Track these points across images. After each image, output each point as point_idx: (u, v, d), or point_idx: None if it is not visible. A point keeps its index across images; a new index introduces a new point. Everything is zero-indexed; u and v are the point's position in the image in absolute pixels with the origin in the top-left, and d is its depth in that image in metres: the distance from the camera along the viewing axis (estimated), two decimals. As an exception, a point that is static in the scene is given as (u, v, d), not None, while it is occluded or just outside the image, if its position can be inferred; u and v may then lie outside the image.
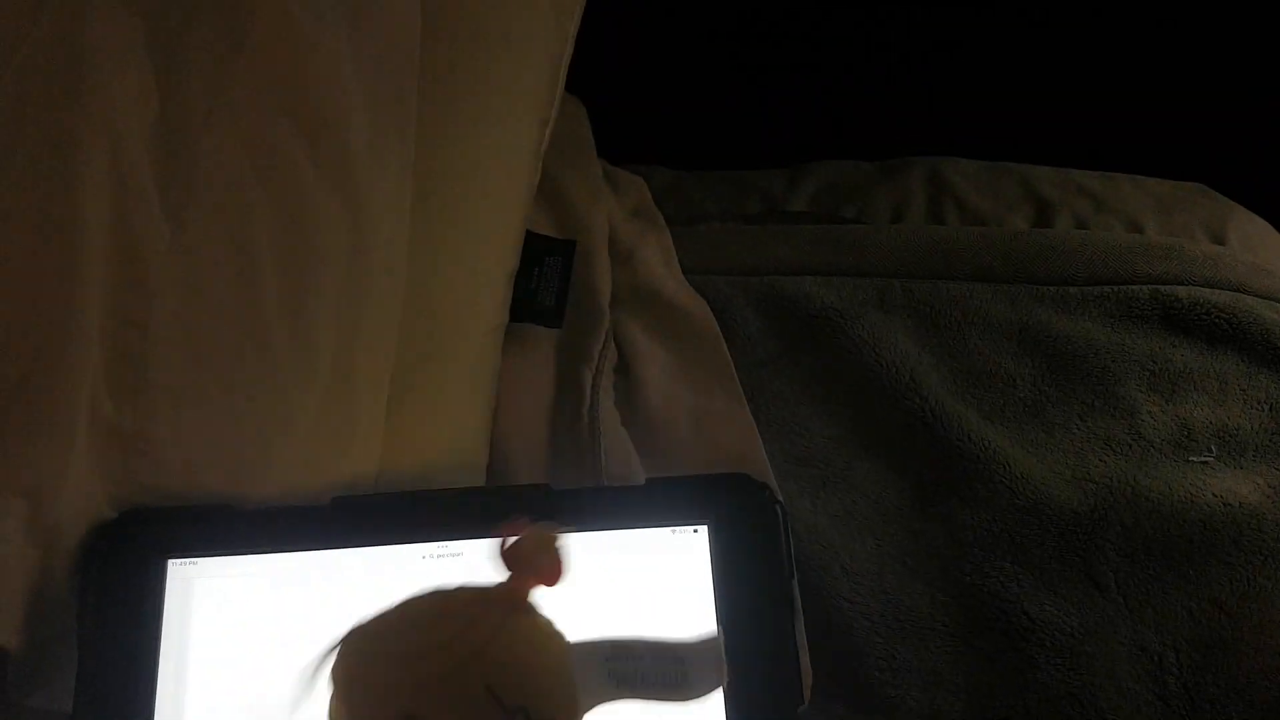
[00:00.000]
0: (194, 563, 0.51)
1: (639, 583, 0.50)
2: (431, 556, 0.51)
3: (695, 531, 0.50)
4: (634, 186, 0.84)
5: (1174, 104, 0.88)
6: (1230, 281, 0.70)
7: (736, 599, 0.48)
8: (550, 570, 0.41)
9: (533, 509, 0.41)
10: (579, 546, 0.40)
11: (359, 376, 0.55)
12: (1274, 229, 0.81)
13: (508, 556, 0.41)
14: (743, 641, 0.46)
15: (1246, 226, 0.78)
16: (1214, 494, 0.60)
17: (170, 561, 0.50)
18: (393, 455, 0.56)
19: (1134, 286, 0.70)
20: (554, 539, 0.41)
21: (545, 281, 0.67)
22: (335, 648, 0.40)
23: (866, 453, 0.64)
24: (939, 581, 0.57)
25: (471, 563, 0.49)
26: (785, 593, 0.49)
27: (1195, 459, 0.62)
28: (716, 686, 0.40)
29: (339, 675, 0.40)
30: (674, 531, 0.51)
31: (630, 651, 0.40)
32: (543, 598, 0.41)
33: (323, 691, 0.40)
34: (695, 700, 0.39)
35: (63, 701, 0.50)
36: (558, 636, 0.41)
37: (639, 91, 0.91)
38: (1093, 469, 0.61)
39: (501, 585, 0.41)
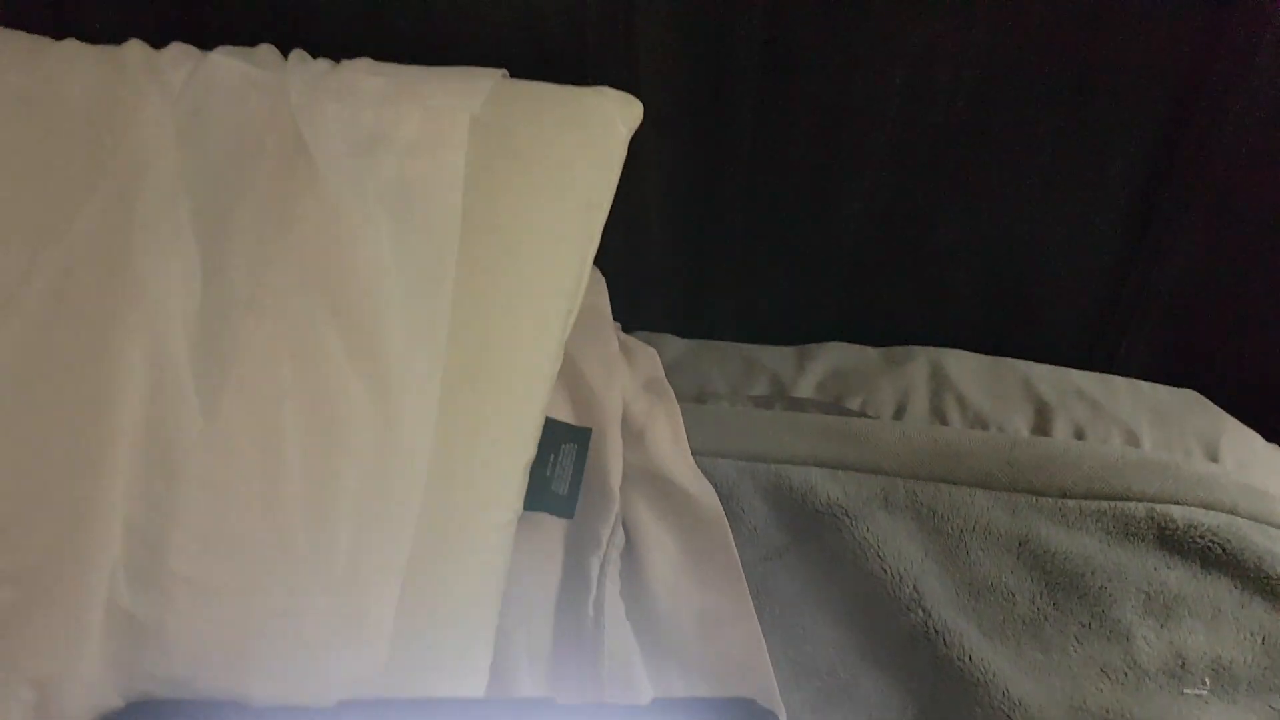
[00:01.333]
0: (200, 762, 0.51)
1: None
2: (439, 770, 0.51)
3: (702, 758, 0.51)
4: (647, 358, 0.85)
5: (1167, 305, 0.92)
6: (1224, 504, 0.72)
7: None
8: None
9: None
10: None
11: (373, 571, 0.56)
12: (1264, 441, 0.83)
13: None
14: None
15: (1239, 441, 0.81)
16: (1207, 729, 0.61)
17: (176, 759, 0.50)
18: (400, 650, 0.56)
19: (1130, 504, 0.72)
20: None
21: (560, 469, 0.68)
22: None
23: (871, 665, 0.65)
24: (936, 810, 0.57)
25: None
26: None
27: (1190, 691, 0.63)
28: None
29: None
30: (681, 757, 0.51)
31: None
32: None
33: None
34: None
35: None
36: None
37: (651, 261, 0.94)
38: (1089, 698, 0.63)
39: None
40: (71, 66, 0.67)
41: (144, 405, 0.55)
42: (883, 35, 0.78)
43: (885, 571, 0.68)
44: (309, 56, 0.70)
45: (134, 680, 0.51)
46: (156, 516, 0.53)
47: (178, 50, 0.68)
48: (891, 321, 0.95)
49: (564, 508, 0.67)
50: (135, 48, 0.68)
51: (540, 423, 0.65)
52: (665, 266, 0.94)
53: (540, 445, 0.66)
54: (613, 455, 0.73)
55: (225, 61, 0.67)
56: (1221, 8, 0.74)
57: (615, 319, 0.85)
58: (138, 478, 0.53)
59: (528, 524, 0.67)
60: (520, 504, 0.63)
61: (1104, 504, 0.72)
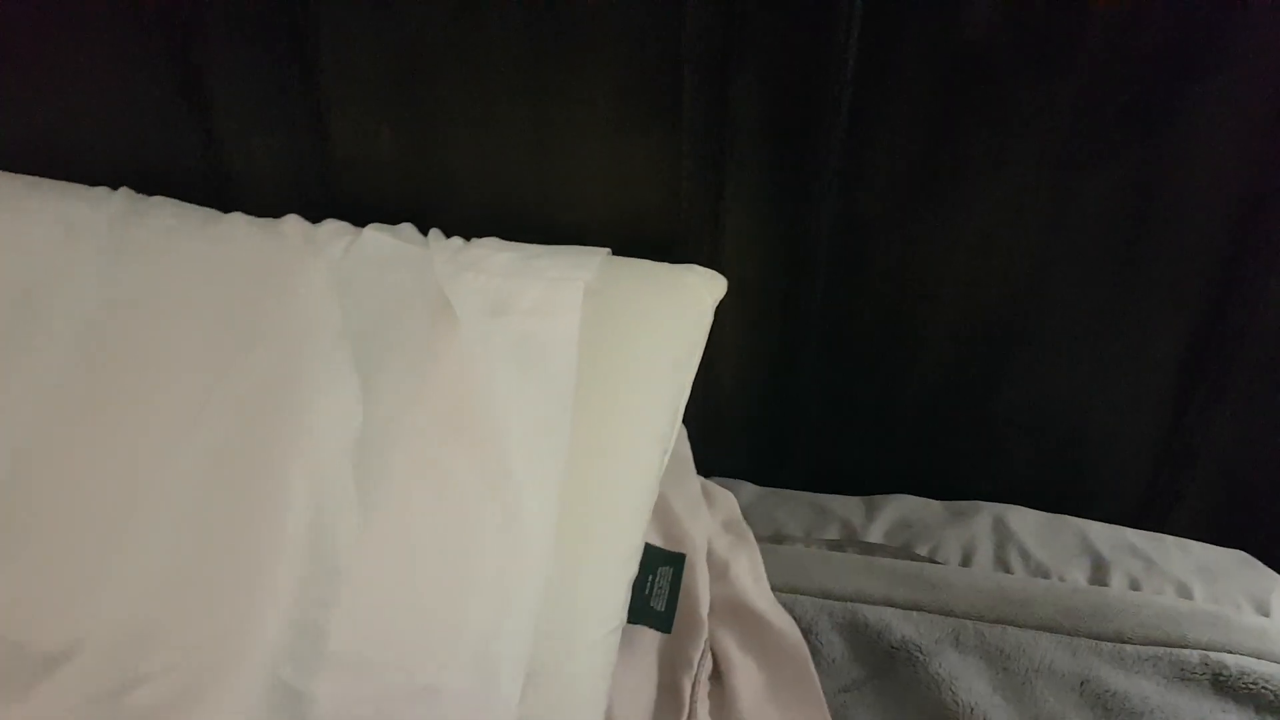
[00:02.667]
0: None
1: None
2: None
3: None
4: (725, 501, 0.93)
5: (1214, 468, 0.98)
6: (1275, 654, 0.77)
7: None
8: None
9: None
10: None
11: (501, 660, 0.62)
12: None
13: None
14: None
15: (1287, 599, 0.86)
16: None
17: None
18: None
19: (1185, 651, 0.77)
20: None
21: (659, 589, 0.75)
22: None
23: (943, 795, 0.70)
24: None
25: None
26: None
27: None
28: None
29: None
30: None
31: None
32: None
33: None
34: None
35: None
36: None
37: (730, 416, 1.02)
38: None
39: None
40: (240, 235, 0.79)
41: (308, 515, 0.63)
42: (943, 226, 0.87)
43: (957, 704, 0.73)
44: (443, 235, 0.82)
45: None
46: (318, 606, 0.61)
47: (334, 225, 0.81)
48: (954, 478, 1.02)
49: (662, 623, 0.74)
50: (294, 222, 0.81)
51: (640, 546, 0.73)
52: (742, 421, 1.03)
53: (640, 567, 0.74)
54: (701, 585, 0.80)
55: (377, 237, 0.79)
56: (1255, 203, 0.83)
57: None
58: (305, 570, 0.61)
59: (626, 641, 0.73)
60: (624, 616, 0.70)
61: (1160, 650, 0.78)
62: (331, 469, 0.65)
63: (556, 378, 0.72)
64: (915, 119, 0.82)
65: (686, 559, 0.79)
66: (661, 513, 0.84)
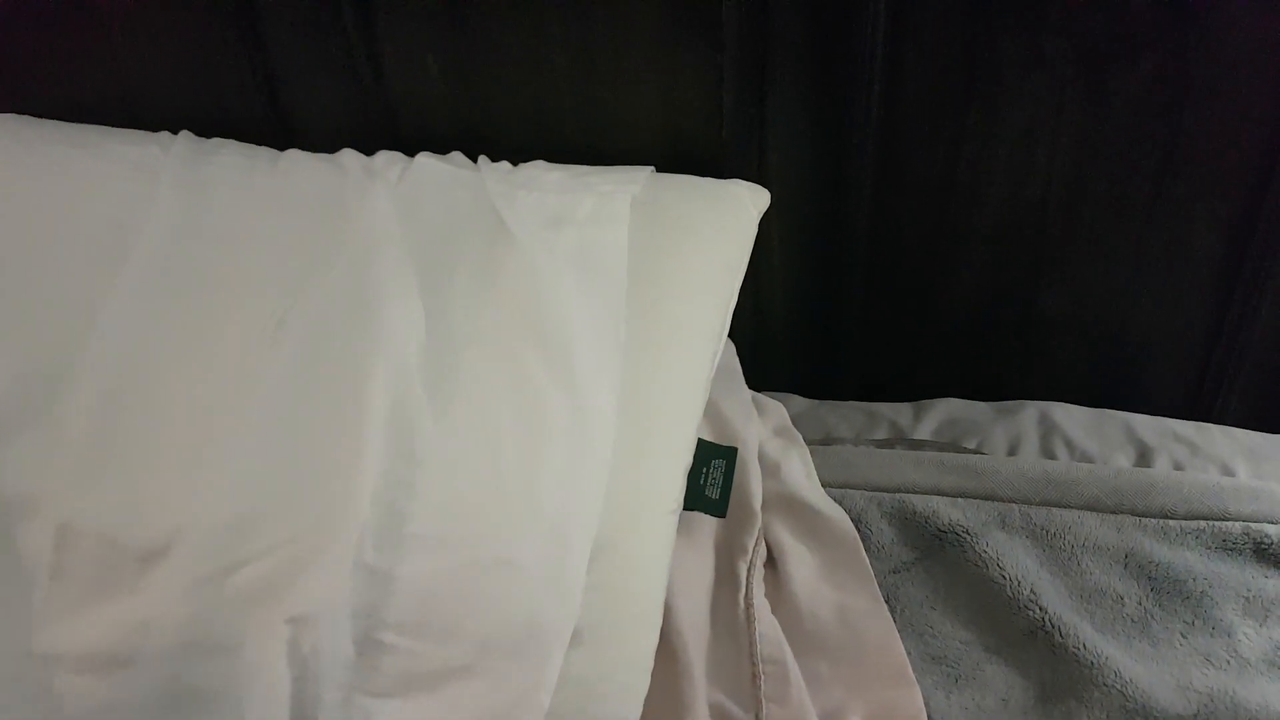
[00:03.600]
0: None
1: None
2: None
3: None
4: (775, 410, 0.96)
5: (1258, 362, 0.99)
6: (1315, 524, 0.79)
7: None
8: None
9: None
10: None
11: (573, 532, 0.67)
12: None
13: None
14: None
15: (1331, 479, 0.87)
16: (1307, 708, 0.67)
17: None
18: (590, 604, 0.66)
19: (1227, 523, 0.79)
20: None
21: (712, 479, 0.79)
22: None
23: (993, 656, 0.73)
24: (1062, 771, 0.65)
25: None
26: None
27: (1290, 677, 0.70)
28: None
29: None
30: None
31: None
32: None
33: None
34: None
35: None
36: None
37: (777, 329, 1.05)
38: (1195, 680, 0.69)
39: None
40: (301, 168, 0.84)
41: (387, 411, 0.68)
42: (985, 120, 0.89)
43: (1004, 578, 0.77)
44: (490, 161, 0.86)
45: (369, 624, 0.62)
46: (399, 492, 0.65)
47: (387, 155, 0.85)
48: (999, 382, 1.04)
49: (717, 509, 0.78)
50: (350, 155, 0.85)
51: (694, 438, 0.77)
52: (789, 334, 1.06)
53: (695, 460, 0.78)
54: (754, 480, 0.84)
55: (430, 163, 0.83)
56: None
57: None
58: (384, 463, 0.66)
59: (684, 529, 0.77)
60: (680, 500, 0.74)
61: (1203, 523, 0.80)
62: (405, 369, 0.70)
63: (610, 282, 0.76)
64: (952, 20, 0.84)
65: (738, 453, 0.83)
66: (714, 417, 0.87)
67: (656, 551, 0.72)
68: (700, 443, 0.80)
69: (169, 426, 0.71)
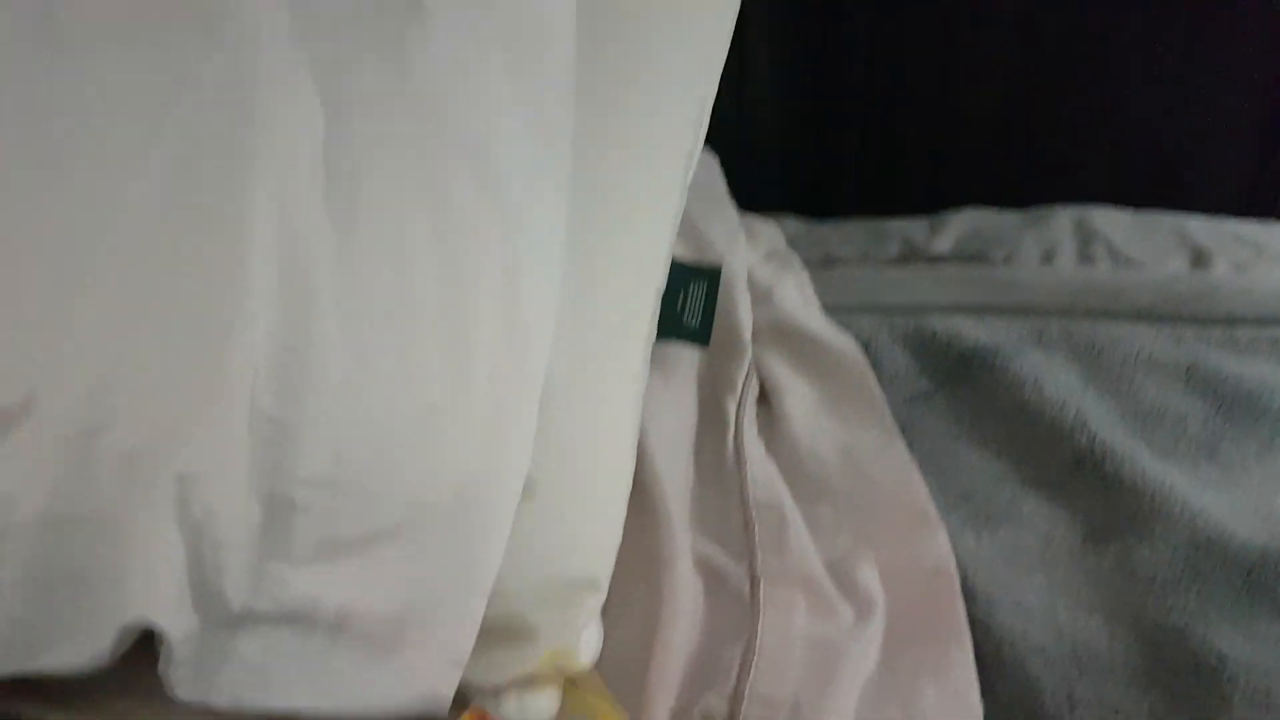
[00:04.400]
0: None
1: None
2: None
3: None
4: (767, 232, 0.83)
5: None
6: None
7: None
8: None
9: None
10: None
11: (513, 374, 0.55)
12: None
13: None
14: None
15: None
16: None
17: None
18: (547, 456, 0.55)
19: (1306, 328, 0.67)
20: None
21: (691, 304, 0.67)
22: None
23: (1031, 490, 0.62)
24: (1117, 618, 0.53)
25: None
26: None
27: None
28: None
29: None
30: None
31: None
32: None
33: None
34: None
35: (216, 698, 0.49)
36: None
37: (766, 137, 0.92)
38: (1277, 505, 0.58)
39: None
40: None
41: (277, 230, 0.55)
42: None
43: (1044, 402, 0.64)
44: None
45: (276, 482, 0.51)
46: (296, 328, 0.53)
47: None
48: (1025, 191, 0.91)
49: (698, 336, 0.66)
50: None
51: (666, 255, 0.64)
52: (780, 141, 0.93)
53: (671, 285, 0.65)
54: (742, 308, 0.71)
55: None
56: None
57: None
58: (276, 294, 0.53)
59: (660, 363, 0.65)
60: (653, 328, 0.62)
61: (1276, 330, 0.67)
62: (298, 181, 0.57)
63: (553, 64, 0.62)
64: None
65: (722, 275, 0.70)
66: (693, 239, 0.75)
67: (625, 388, 0.60)
68: (675, 265, 0.67)
69: (18, 273, 0.58)
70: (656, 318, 0.63)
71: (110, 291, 0.56)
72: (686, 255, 0.73)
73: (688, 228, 0.74)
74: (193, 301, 0.55)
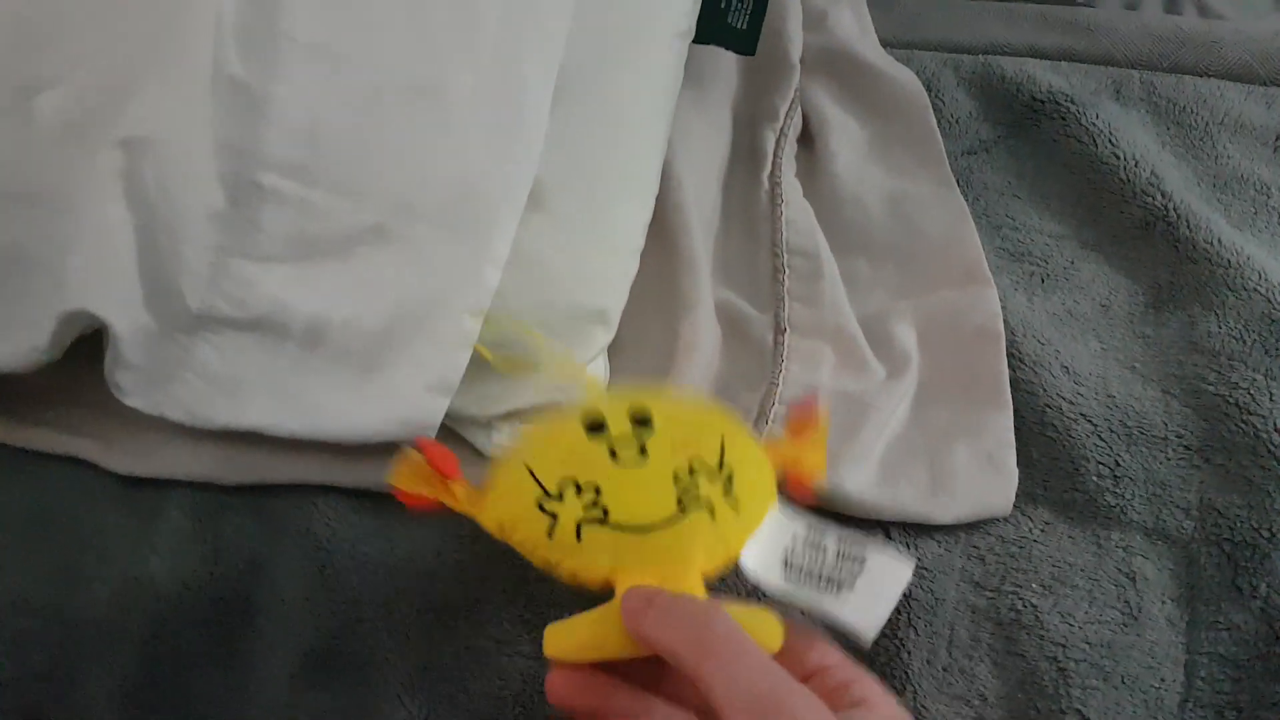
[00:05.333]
0: None
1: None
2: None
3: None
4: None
5: None
6: None
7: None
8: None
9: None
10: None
11: (526, 54, 0.48)
12: None
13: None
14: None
15: None
16: None
17: None
18: (559, 159, 0.49)
19: None
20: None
21: (738, 4, 0.58)
22: None
23: (1092, 252, 0.56)
24: (1175, 389, 0.49)
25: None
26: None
27: None
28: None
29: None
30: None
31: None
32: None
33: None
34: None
35: (169, 409, 0.45)
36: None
37: None
38: (1360, 287, 0.52)
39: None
40: None
41: None
42: None
43: (1118, 157, 0.58)
44: None
45: (242, 161, 0.44)
46: None
47: None
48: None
49: (743, 44, 0.58)
50: None
51: None
52: None
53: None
54: (792, 24, 0.63)
55: None
56: None
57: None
58: None
59: (693, 78, 0.58)
60: (692, 23, 0.54)
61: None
62: None
63: None
64: None
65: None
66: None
67: (656, 88, 0.53)
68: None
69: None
70: (695, 11, 0.55)
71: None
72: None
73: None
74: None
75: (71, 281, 0.44)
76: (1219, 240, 0.53)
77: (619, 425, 0.38)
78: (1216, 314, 0.51)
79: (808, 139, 0.62)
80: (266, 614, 0.44)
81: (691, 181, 0.56)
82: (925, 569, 0.44)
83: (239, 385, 0.45)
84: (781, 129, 0.60)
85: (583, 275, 0.49)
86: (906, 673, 0.42)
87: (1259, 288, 0.51)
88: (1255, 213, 0.57)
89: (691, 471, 0.37)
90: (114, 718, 0.42)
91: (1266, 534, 0.44)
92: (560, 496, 0.37)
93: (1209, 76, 0.62)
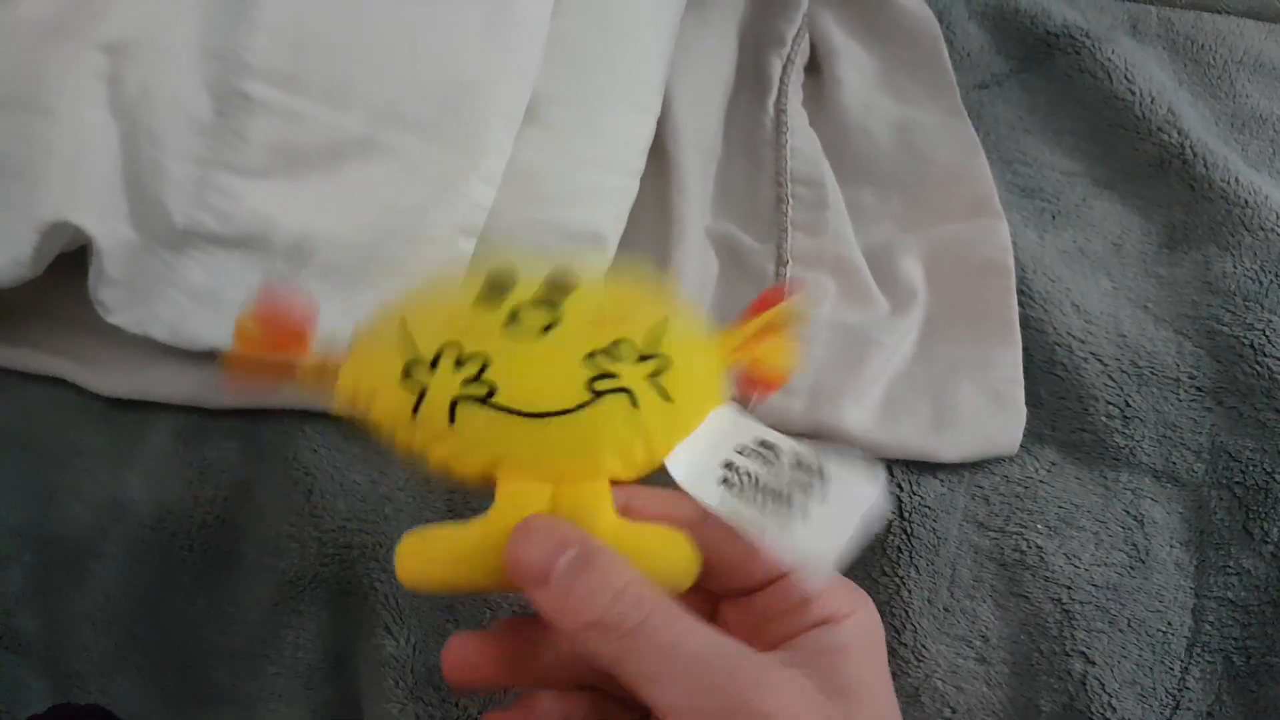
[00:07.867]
0: None
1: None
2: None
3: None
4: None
5: None
6: None
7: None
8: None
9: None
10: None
11: None
12: None
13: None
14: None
15: None
16: None
17: None
18: (556, 70, 0.47)
19: None
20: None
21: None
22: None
23: (1105, 190, 0.54)
24: (1188, 330, 0.48)
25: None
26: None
27: None
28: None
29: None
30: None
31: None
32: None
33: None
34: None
35: (153, 328, 0.43)
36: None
37: None
38: (1380, 231, 0.51)
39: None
40: None
41: None
42: None
43: (1133, 93, 0.56)
44: None
45: (227, 68, 0.43)
46: None
47: None
48: None
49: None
50: None
51: None
52: None
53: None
54: (801, -55, 0.61)
55: None
56: None
57: None
58: None
59: (699, 8, 0.56)
60: None
61: None
62: None
63: None
64: None
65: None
66: None
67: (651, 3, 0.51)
68: None
69: None
70: None
71: None
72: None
73: None
74: None
75: (52, 191, 0.42)
76: (1236, 179, 0.52)
77: (529, 289, 0.30)
78: (1232, 254, 0.50)
79: (814, 66, 0.60)
80: (250, 539, 0.43)
81: (691, 106, 0.54)
82: (928, 508, 0.43)
83: (224, 303, 0.43)
84: (788, 55, 0.58)
85: (582, 195, 0.48)
86: (906, 611, 0.42)
87: (1276, 228, 0.50)
88: (1273, 152, 0.55)
89: (612, 352, 0.29)
90: (93, 640, 0.41)
91: (1279, 478, 0.43)
92: (435, 365, 0.29)
93: (1228, 14, 0.61)
